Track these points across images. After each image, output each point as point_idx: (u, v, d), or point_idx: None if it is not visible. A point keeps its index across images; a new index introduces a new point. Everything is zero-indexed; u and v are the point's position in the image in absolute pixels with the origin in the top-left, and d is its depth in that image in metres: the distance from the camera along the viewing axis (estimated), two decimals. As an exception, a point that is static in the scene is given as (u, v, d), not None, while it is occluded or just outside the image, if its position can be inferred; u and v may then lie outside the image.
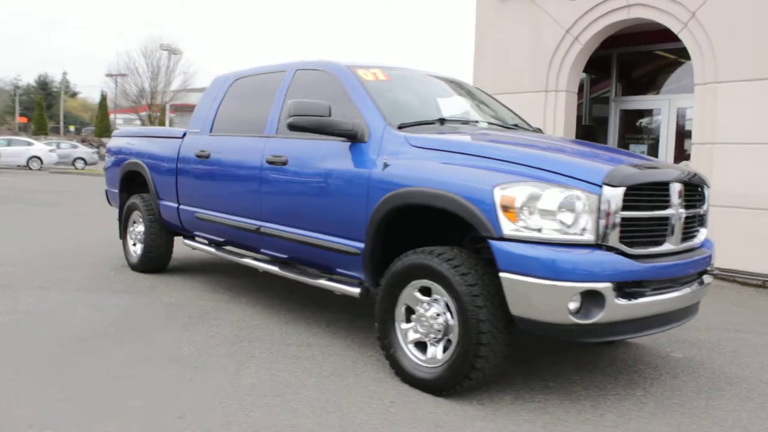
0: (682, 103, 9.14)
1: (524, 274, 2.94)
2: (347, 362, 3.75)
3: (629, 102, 10.12)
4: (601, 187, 2.99)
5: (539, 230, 2.98)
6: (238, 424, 2.82)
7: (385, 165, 3.57)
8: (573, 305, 2.91)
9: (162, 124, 29.71)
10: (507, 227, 3.00)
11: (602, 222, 2.99)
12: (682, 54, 9.12)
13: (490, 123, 4.40)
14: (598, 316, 2.94)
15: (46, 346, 3.77)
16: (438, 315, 3.28)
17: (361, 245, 3.71)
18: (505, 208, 3.00)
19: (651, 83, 10.31)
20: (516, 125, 4.57)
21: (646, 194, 3.18)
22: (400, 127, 3.74)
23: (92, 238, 8.15)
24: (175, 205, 5.61)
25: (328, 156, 3.96)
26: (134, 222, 6.32)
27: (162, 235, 6.03)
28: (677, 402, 3.36)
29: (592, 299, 2.92)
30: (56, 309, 4.63)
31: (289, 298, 5.33)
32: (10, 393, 3.06)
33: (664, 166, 3.43)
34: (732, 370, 3.92)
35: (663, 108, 9.40)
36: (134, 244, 6.34)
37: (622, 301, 2.98)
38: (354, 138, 3.80)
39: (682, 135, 9.31)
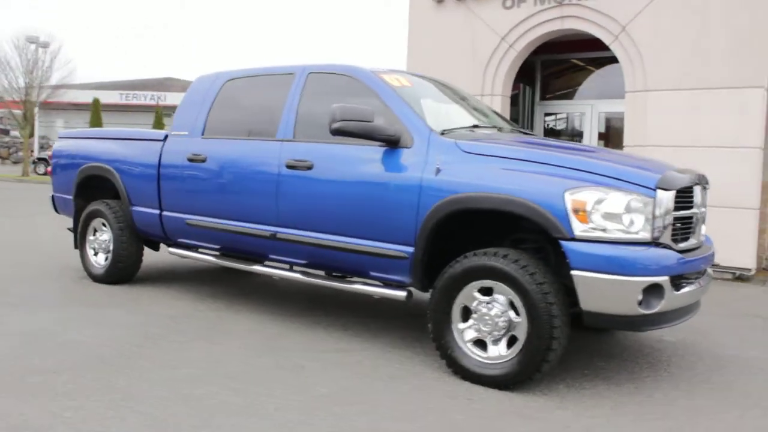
0: (603, 108, 9.98)
1: (596, 271, 3.18)
2: (396, 365, 3.80)
3: (553, 106, 10.86)
4: (654, 191, 3.30)
5: (604, 230, 3.24)
6: (345, 434, 2.81)
7: (438, 170, 3.66)
8: (639, 297, 3.19)
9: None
10: (578, 229, 3.23)
11: (657, 222, 3.30)
12: (602, 63, 9.99)
13: (512, 129, 4.62)
14: (658, 307, 3.25)
15: (93, 371, 3.46)
16: (502, 313, 3.44)
17: (409, 249, 3.78)
18: (576, 211, 3.23)
19: (571, 88, 11.11)
20: (525, 130, 4.83)
21: (682, 195, 3.55)
22: (442, 133, 3.85)
23: (27, 246, 7.42)
24: (156, 211, 5.30)
25: (365, 161, 3.98)
26: (96, 230, 5.88)
27: (133, 243, 5.67)
28: (702, 379, 3.78)
29: (654, 291, 3.22)
30: (54, 328, 4.24)
31: (284, 303, 5.24)
32: None
33: (687, 170, 3.83)
34: (724, 351, 4.44)
35: (586, 112, 10.19)
36: (95, 254, 5.90)
37: (674, 293, 3.32)
38: (395, 143, 3.86)
39: (604, 137, 10.16)
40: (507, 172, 3.49)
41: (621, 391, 3.51)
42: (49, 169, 6.64)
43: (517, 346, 3.41)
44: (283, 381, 3.44)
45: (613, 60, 8.73)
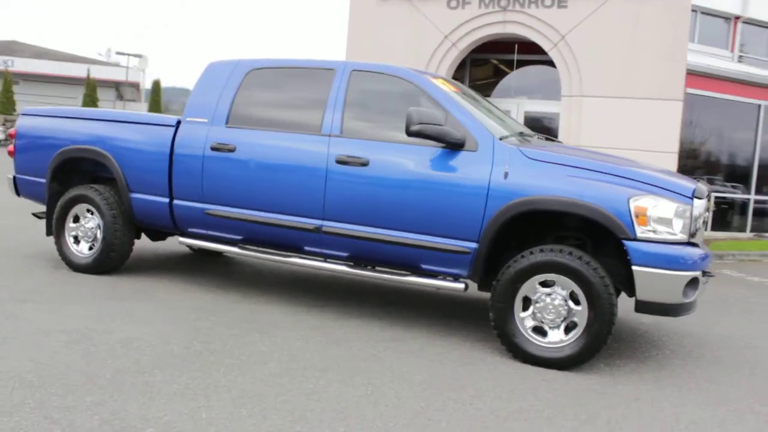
0: (528, 108, 10.84)
1: (653, 267, 3.75)
2: (454, 351, 4.12)
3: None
4: (692, 199, 3.92)
5: (655, 232, 3.80)
6: (483, 423, 3.11)
7: (506, 174, 4.02)
8: (683, 288, 3.80)
9: None
10: (639, 230, 3.76)
11: (692, 225, 3.93)
12: (523, 64, 10.82)
13: (538, 136, 5.05)
14: (694, 296, 3.90)
15: (182, 369, 3.39)
16: (563, 302, 3.91)
17: (472, 244, 4.11)
18: (637, 216, 3.76)
19: (493, 86, 11.90)
20: (550, 137, 5.28)
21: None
22: (501, 139, 4.20)
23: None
24: (164, 199, 5.11)
25: (427, 161, 4.22)
26: (79, 217, 5.50)
27: (126, 232, 5.41)
28: (712, 358, 4.53)
29: (692, 283, 3.85)
30: (95, 325, 4.02)
31: (300, 292, 5.33)
32: None
33: (700, 181, 4.51)
34: (695, 330, 5.27)
35: (512, 110, 11.00)
36: (76, 242, 5.53)
37: (702, 285, 3.98)
38: (460, 146, 4.15)
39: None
40: (572, 178, 3.94)
41: (651, 369, 4.13)
42: (10, 148, 6.01)
43: (577, 331, 3.89)
44: (372, 370, 3.63)
45: (538, 62, 9.57)
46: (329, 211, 4.49)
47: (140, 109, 45.21)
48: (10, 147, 5.94)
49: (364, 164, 4.37)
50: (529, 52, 10.18)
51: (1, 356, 3.38)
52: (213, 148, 4.87)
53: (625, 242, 3.78)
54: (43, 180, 5.67)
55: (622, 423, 3.20)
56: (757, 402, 3.66)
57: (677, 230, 3.84)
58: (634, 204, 3.77)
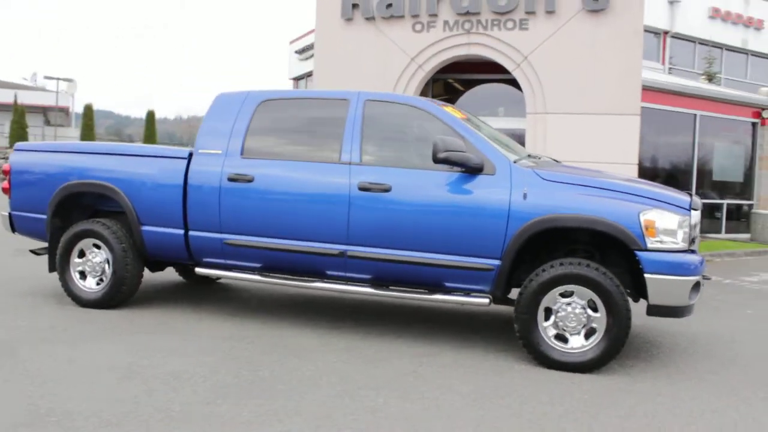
0: (494, 125, 11.30)
1: (663, 274, 4.15)
2: (485, 362, 4.39)
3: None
4: (689, 210, 4.36)
5: (662, 242, 4.21)
6: (541, 426, 3.38)
7: (525, 195, 4.34)
8: (689, 292, 4.22)
9: None
10: (649, 242, 4.16)
11: (691, 234, 4.36)
12: (478, 82, 11.31)
13: (544, 157, 5.39)
14: (695, 299, 4.32)
15: (254, 398, 3.50)
16: (582, 311, 4.25)
17: (495, 261, 4.40)
18: (647, 228, 4.16)
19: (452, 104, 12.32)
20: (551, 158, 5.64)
21: (695, 213, 4.68)
22: (515, 162, 4.53)
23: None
24: (179, 231, 5.17)
25: (448, 185, 4.49)
26: (85, 252, 5.46)
27: (136, 264, 5.42)
28: (705, 354, 4.98)
29: (696, 286, 4.28)
30: (140, 361, 4.05)
31: (321, 316, 5.48)
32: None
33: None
34: (680, 329, 5.74)
35: (476, 127, 11.45)
36: (83, 278, 5.49)
37: (702, 287, 4.42)
38: (479, 171, 4.44)
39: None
40: (586, 197, 4.31)
41: (659, 366, 4.53)
42: (5, 184, 5.87)
43: (597, 337, 4.24)
44: (420, 385, 3.85)
45: (494, 81, 10.07)
46: (353, 236, 4.68)
47: (71, 134, 43.66)
48: (5, 184, 5.82)
49: (387, 190, 4.60)
50: (488, 72, 10.68)
51: (66, 396, 3.40)
52: (230, 179, 4.98)
53: (638, 253, 4.17)
54: (42, 216, 5.60)
55: (657, 416, 3.55)
56: (761, 389, 4.10)
57: (680, 240, 4.26)
58: (644, 218, 4.17)
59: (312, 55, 31.63)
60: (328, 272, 4.87)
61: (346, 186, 4.69)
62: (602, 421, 3.44)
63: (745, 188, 14.98)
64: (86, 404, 3.31)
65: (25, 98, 41.28)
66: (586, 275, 4.20)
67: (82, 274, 5.51)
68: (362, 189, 4.64)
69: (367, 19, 10.28)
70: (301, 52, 32.71)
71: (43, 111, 46.27)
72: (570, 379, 4.11)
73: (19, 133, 36.34)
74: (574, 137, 9.23)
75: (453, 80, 12.10)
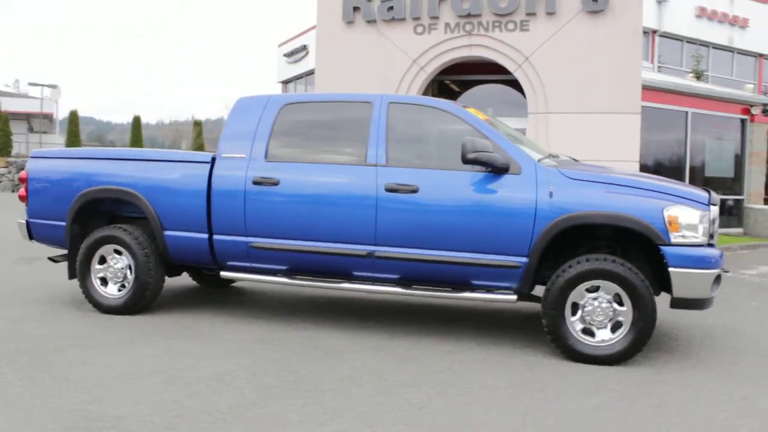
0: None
1: (687, 267, 4.27)
2: (512, 358, 4.49)
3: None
4: (708, 206, 4.49)
5: (684, 237, 4.33)
6: (582, 417, 3.48)
7: (551, 194, 4.44)
8: (710, 284, 4.35)
9: None
10: (673, 237, 4.28)
11: (710, 229, 4.49)
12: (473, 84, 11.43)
13: (563, 155, 5.49)
14: (716, 291, 4.45)
15: (301, 398, 3.55)
16: (609, 305, 4.36)
17: (522, 259, 4.50)
18: (670, 224, 4.28)
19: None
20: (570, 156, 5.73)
21: (711, 208, 4.81)
22: (539, 161, 4.64)
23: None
24: (203, 235, 5.21)
25: (475, 185, 4.58)
26: (106, 258, 5.48)
27: (159, 269, 5.45)
28: (722, 345, 5.12)
29: (717, 279, 4.40)
30: (177, 365, 4.09)
31: (345, 315, 5.54)
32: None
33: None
34: (691, 322, 5.88)
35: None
36: (104, 284, 5.50)
37: (721, 281, 4.55)
38: (505, 170, 4.54)
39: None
40: (610, 194, 4.42)
41: (681, 358, 4.65)
42: (22, 192, 5.86)
43: (624, 329, 4.35)
44: (457, 381, 3.93)
45: (491, 82, 10.20)
46: (381, 236, 4.75)
47: (56, 141, 43.18)
48: (21, 191, 5.82)
49: (414, 191, 4.67)
50: (488, 73, 10.81)
51: (113, 401, 3.43)
52: (255, 183, 5.03)
53: (662, 248, 4.29)
54: (60, 223, 5.60)
55: (689, 405, 3.66)
56: (783, 377, 4.24)
57: (700, 234, 4.38)
58: (667, 213, 4.29)
59: (301, 59, 31.70)
60: (355, 273, 4.93)
61: (374, 187, 4.76)
62: (637, 411, 3.54)
63: (735, 183, 15.24)
64: (135, 409, 3.35)
65: (9, 105, 40.84)
66: (613, 270, 4.31)
67: (103, 281, 5.52)
68: (389, 190, 4.72)
69: (368, 21, 10.35)
70: (289, 55, 32.72)
71: (27, 118, 45.74)
72: (598, 372, 4.22)
73: (3, 140, 35.91)
74: (576, 136, 9.37)
75: (449, 81, 12.22)
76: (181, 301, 6.03)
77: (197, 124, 48.75)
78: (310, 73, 31.04)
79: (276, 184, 4.99)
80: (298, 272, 5.12)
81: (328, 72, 10.63)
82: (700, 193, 4.57)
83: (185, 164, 5.34)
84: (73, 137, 41.25)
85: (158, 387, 3.69)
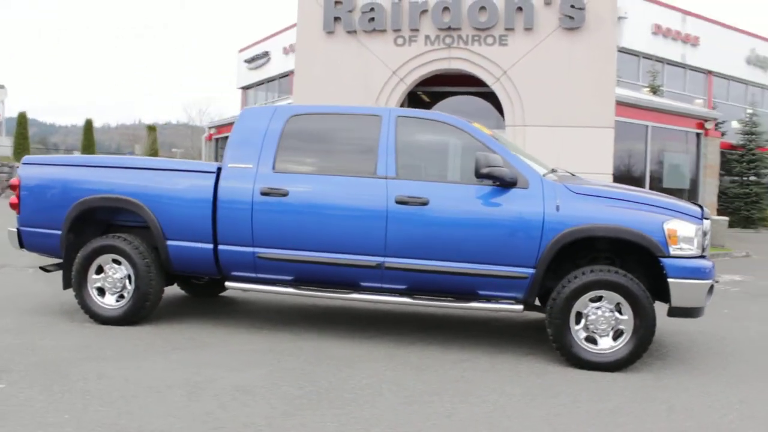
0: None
1: (685, 278, 4.52)
2: (527, 364, 4.65)
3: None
4: (701, 219, 4.76)
5: (681, 249, 4.59)
6: (600, 420, 3.65)
7: (558, 207, 4.63)
8: (705, 294, 4.61)
9: None
10: (672, 249, 4.52)
11: (704, 241, 4.76)
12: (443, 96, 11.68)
13: (560, 170, 5.69)
14: (709, 300, 4.72)
15: (340, 407, 3.60)
16: (612, 314, 4.57)
17: (529, 270, 4.67)
18: (670, 237, 4.52)
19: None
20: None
21: (699, 221, 5.09)
22: (543, 176, 4.83)
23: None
24: (208, 246, 5.19)
25: (483, 198, 4.74)
26: (103, 268, 5.39)
27: (159, 279, 5.40)
28: (708, 351, 5.41)
29: (711, 289, 4.67)
30: (196, 377, 4.07)
31: (342, 325, 5.60)
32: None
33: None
34: (674, 329, 6.18)
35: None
36: (101, 294, 5.41)
37: (713, 291, 4.83)
38: (512, 184, 4.71)
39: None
40: (612, 208, 4.64)
41: (675, 363, 4.90)
42: (13, 199, 5.68)
43: (626, 337, 4.56)
44: (474, 389, 4.05)
45: (464, 93, 10.47)
46: (391, 247, 4.84)
47: (2, 143, 41.48)
48: (13, 198, 5.66)
49: (425, 203, 4.79)
50: (466, 85, 11.06)
51: (144, 414, 3.41)
52: (264, 193, 5.05)
53: (662, 260, 4.53)
54: (54, 232, 5.48)
55: (694, 409, 3.89)
56: (772, 381, 4.53)
57: (695, 246, 4.65)
58: (667, 227, 4.54)
59: (262, 65, 31.39)
60: (363, 283, 5.00)
61: (384, 199, 4.85)
62: (650, 414, 3.74)
63: (692, 195, 15.97)
64: (170, 421, 3.34)
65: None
66: (616, 281, 4.53)
67: (100, 291, 5.43)
68: (400, 202, 4.82)
69: (349, 32, 10.45)
70: (250, 61, 32.43)
71: (-31, 118, 43.79)
72: (602, 378, 4.41)
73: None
74: (552, 148, 9.67)
75: (421, 92, 12.42)
76: (175, 311, 5.96)
77: (151, 128, 47.78)
78: (272, 79, 31.02)
79: (285, 195, 5.02)
80: (304, 282, 5.15)
81: (307, 81, 10.67)
82: (694, 208, 4.85)
83: (190, 174, 5.31)
84: (22, 140, 39.82)
85: (183, 399, 3.67)
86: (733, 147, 21.64)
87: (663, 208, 4.70)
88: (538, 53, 9.77)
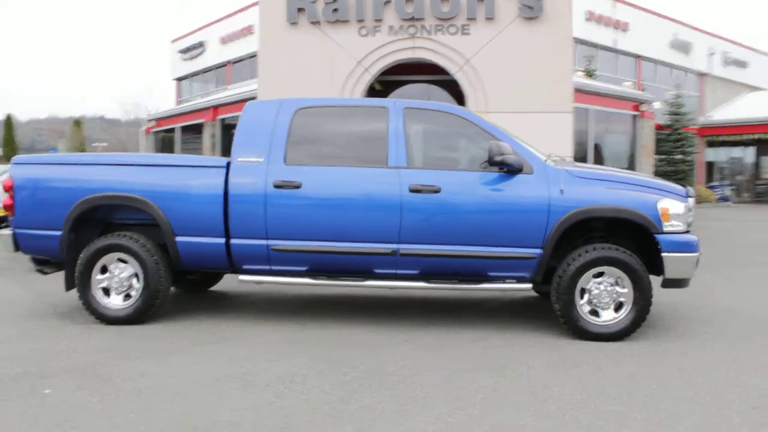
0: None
1: (678, 252, 4.97)
2: (538, 338, 4.98)
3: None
4: (687, 198, 5.22)
5: (672, 226, 5.03)
6: (629, 385, 4.01)
7: (562, 191, 4.96)
8: (693, 266, 5.08)
9: None
10: (665, 226, 4.95)
11: (689, 218, 5.23)
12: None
13: (554, 155, 6.01)
14: (695, 271, 5.20)
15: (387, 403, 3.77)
16: (612, 288, 4.97)
17: (537, 250, 4.99)
18: (663, 215, 4.95)
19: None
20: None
21: (682, 199, 5.56)
22: (545, 161, 5.15)
23: None
24: (220, 240, 5.23)
25: (492, 184, 5.01)
26: (109, 268, 5.33)
27: (168, 276, 5.39)
28: (702, 322, 5.93)
29: (697, 261, 5.15)
30: (236, 371, 4.15)
31: (348, 312, 5.77)
32: None
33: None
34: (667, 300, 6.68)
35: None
36: (107, 294, 5.34)
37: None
38: (518, 171, 5.00)
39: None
40: (611, 190, 5.02)
41: (677, 335, 5.37)
42: (7, 200, 5.45)
43: (626, 309, 4.97)
44: (501, 364, 4.33)
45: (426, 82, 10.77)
46: (405, 235, 5.05)
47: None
48: (6, 200, 5.46)
49: (437, 191, 5.01)
50: (429, 73, 11.31)
51: (206, 409, 3.48)
52: (276, 186, 5.12)
53: (657, 236, 4.95)
54: (53, 233, 5.36)
55: (700, 368, 4.32)
56: (754, 339, 5.05)
57: (683, 223, 5.11)
58: (660, 206, 4.96)
59: (198, 55, 30.56)
60: (377, 270, 5.19)
61: (397, 188, 5.03)
62: (665, 376, 4.14)
63: (630, 173, 16.94)
64: (240, 413, 3.44)
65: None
66: (617, 257, 4.92)
67: (105, 291, 5.36)
68: (413, 191, 5.02)
69: (313, 23, 10.47)
70: (185, 51, 31.49)
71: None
72: (609, 347, 4.80)
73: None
74: (515, 134, 10.08)
75: (376, 81, 12.58)
76: (172, 309, 5.92)
77: (77, 123, 45.74)
78: (208, 70, 30.27)
79: (298, 187, 5.12)
80: (319, 272, 5.28)
81: (271, 72, 10.62)
82: (680, 188, 5.31)
83: (199, 169, 5.31)
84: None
85: (239, 392, 3.76)
86: (660, 127, 23.02)
87: (654, 188, 5.13)
88: (500, 42, 10.13)
